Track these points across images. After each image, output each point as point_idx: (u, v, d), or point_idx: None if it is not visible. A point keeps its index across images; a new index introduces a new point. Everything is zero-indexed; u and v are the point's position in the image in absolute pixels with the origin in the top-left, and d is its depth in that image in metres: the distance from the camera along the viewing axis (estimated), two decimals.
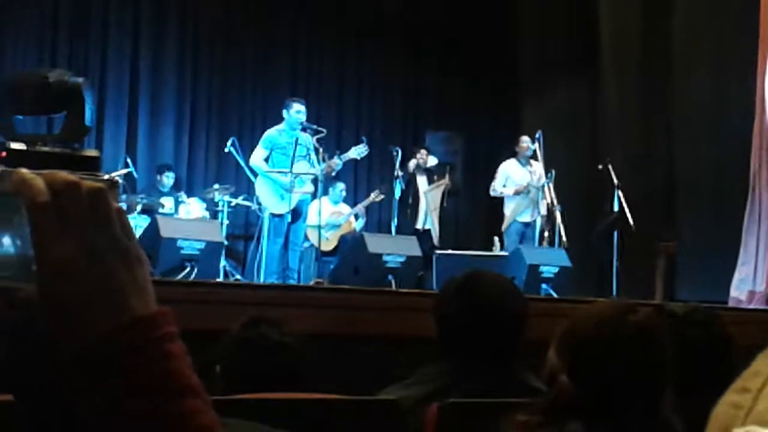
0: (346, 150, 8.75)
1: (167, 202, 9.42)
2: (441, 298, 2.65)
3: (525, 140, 9.34)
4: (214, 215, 9.52)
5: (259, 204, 8.65)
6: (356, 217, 9.96)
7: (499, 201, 9.60)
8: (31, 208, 0.72)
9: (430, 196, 9.73)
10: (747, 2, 8.10)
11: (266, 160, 8.38)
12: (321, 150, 8.33)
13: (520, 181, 9.35)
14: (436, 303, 2.65)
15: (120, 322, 0.72)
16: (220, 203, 9.49)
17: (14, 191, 0.73)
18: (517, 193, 9.31)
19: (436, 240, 9.52)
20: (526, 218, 9.33)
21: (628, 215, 8.49)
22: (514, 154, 9.58)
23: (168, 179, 9.80)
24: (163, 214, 8.86)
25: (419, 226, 9.64)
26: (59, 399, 0.74)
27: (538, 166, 9.25)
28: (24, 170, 0.74)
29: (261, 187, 8.40)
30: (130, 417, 0.72)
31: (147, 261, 0.78)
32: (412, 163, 9.77)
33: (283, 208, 8.25)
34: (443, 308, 2.59)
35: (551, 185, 9.03)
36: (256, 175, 8.53)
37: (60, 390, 0.73)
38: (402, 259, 7.69)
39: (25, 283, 0.73)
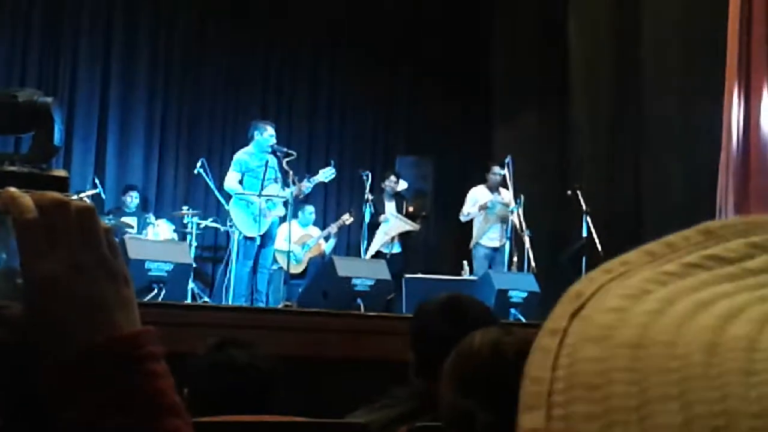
0: (317, 173, 8.74)
1: (132, 222, 9.35)
2: (420, 319, 2.64)
3: (496, 171, 9.39)
4: (183, 237, 9.47)
5: (231, 226, 8.61)
6: (326, 238, 9.93)
7: (469, 225, 9.63)
8: (19, 224, 0.73)
9: (393, 221, 9.68)
10: (715, 31, 8.19)
11: (239, 182, 8.36)
12: (291, 173, 8.32)
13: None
14: (416, 323, 2.64)
15: (104, 338, 0.73)
16: (189, 225, 9.45)
17: (2, 208, 0.74)
18: (482, 208, 9.35)
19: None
20: (494, 243, 9.37)
21: (597, 241, 8.53)
22: (484, 181, 9.64)
23: (132, 199, 9.74)
24: (131, 236, 8.80)
25: (386, 249, 9.62)
26: (39, 416, 0.74)
27: (507, 194, 9.31)
28: (12, 188, 0.74)
29: (235, 210, 8.37)
30: None
31: (132, 281, 0.78)
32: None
33: (255, 230, 8.23)
34: (422, 328, 2.58)
35: (520, 210, 9.10)
36: (228, 198, 8.50)
37: (40, 407, 0.73)
38: (371, 283, 7.67)
39: (10, 298, 0.74)
